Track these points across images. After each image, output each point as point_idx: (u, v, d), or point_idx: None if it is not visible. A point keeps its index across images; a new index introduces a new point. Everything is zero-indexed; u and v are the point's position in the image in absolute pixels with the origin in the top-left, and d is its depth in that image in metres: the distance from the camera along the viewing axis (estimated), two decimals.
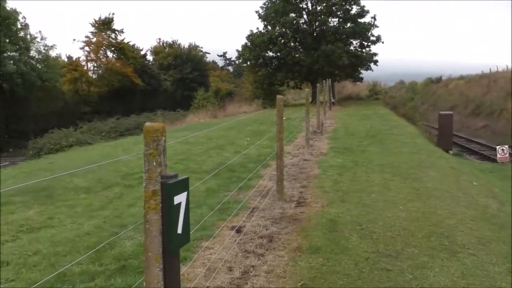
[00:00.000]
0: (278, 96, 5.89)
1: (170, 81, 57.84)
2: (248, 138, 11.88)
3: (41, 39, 37.01)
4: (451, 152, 15.85)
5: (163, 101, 52.31)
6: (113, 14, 49.63)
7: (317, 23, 28.58)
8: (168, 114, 36.17)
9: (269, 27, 29.07)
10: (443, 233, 4.68)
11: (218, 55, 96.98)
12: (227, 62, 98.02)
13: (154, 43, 65.46)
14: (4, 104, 33.61)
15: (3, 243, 4.55)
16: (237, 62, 36.80)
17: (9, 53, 33.06)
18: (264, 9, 28.95)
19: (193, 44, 64.15)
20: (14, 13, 34.26)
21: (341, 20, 28.05)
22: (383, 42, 28.03)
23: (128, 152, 11.19)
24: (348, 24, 27.80)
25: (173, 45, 62.28)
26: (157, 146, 1.97)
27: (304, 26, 28.49)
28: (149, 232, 1.97)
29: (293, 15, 28.00)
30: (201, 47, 67.73)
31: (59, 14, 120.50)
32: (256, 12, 29.19)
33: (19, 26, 34.94)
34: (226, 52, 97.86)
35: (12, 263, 3.99)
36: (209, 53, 76.53)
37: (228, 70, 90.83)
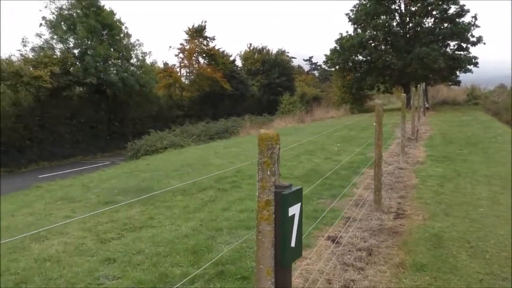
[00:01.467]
0: (377, 102, 5.61)
1: (257, 86, 58.80)
2: (338, 144, 11.60)
3: (139, 46, 39.59)
4: None
5: (249, 106, 53.34)
6: (206, 22, 51.74)
7: (410, 25, 27.31)
8: (255, 119, 36.71)
9: (359, 30, 28.36)
10: None
11: (304, 59, 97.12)
12: (313, 66, 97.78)
13: (243, 48, 67.02)
14: (107, 108, 36.42)
15: (109, 240, 4.81)
16: (325, 66, 36.39)
17: (113, 61, 35.80)
18: (354, 11, 28.30)
19: (281, 49, 64.60)
20: (119, 23, 37.09)
21: (437, 20, 26.51)
22: (484, 43, 26.03)
23: (219, 156, 11.47)
24: (445, 25, 26.18)
25: (262, 51, 63.25)
26: (271, 154, 1.89)
27: (397, 28, 27.36)
28: (261, 244, 1.90)
29: (384, 17, 27.02)
30: (288, 52, 68.12)
31: (159, 23, 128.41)
32: (346, 15, 28.67)
33: (121, 35, 37.71)
34: (312, 57, 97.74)
35: (118, 261, 4.18)
36: (295, 58, 76.83)
37: (314, 74, 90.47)
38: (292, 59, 72.71)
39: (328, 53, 29.63)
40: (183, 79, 50.79)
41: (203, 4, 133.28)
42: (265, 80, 59.39)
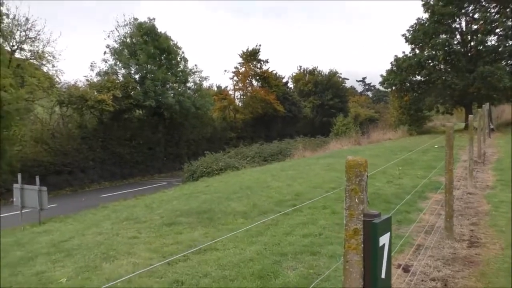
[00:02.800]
0: (448, 124, 5.39)
1: (310, 107, 58.70)
2: (400, 167, 11.22)
3: (196, 71, 40.88)
4: None
5: (302, 127, 53.24)
6: (260, 45, 52.61)
7: (472, 43, 26.36)
8: (309, 140, 36.46)
9: (417, 50, 27.73)
10: None
11: (356, 80, 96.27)
12: (366, 87, 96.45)
13: (296, 70, 67.51)
14: (164, 130, 37.64)
15: (176, 262, 4.86)
16: (381, 87, 35.77)
17: (170, 84, 37.17)
18: (412, 31, 27.75)
19: (333, 70, 64.40)
20: (175, 47, 38.61)
21: (501, 38, 25.38)
22: None
23: (276, 178, 11.41)
24: (510, 42, 25.02)
25: (313, 72, 63.34)
26: (360, 181, 1.84)
27: (457, 47, 26.48)
28: (349, 274, 1.83)
29: (444, 36, 26.26)
30: (340, 73, 67.75)
31: (215, 47, 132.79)
32: (403, 35, 28.17)
33: (179, 59, 39.17)
34: (365, 77, 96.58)
35: (186, 283, 4.21)
36: (347, 79, 76.16)
37: (367, 95, 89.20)
38: (345, 80, 72.20)
39: (383, 73, 29.19)
40: (237, 101, 51.68)
41: (257, 27, 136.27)
42: (318, 101, 59.23)
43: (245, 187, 10.06)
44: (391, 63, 28.44)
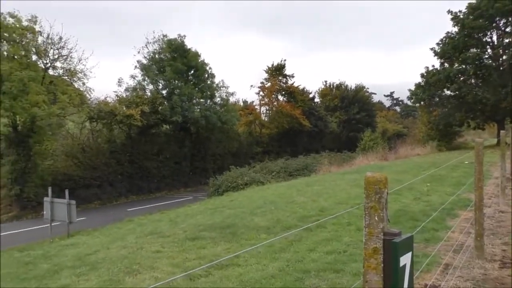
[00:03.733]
0: (477, 140, 5.24)
1: (336, 122, 58.26)
2: (428, 184, 10.96)
3: (222, 86, 41.27)
4: None
5: (328, 142, 52.81)
6: (285, 60, 52.82)
7: (504, 57, 25.74)
8: (335, 156, 36.11)
9: (446, 64, 27.27)
10: None
11: (384, 95, 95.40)
12: (394, 101, 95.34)
13: (322, 85, 67.42)
14: (190, 145, 38.00)
15: (198, 278, 4.84)
16: (409, 102, 35.28)
17: (197, 99, 37.58)
18: (441, 45, 27.34)
19: (359, 84, 63.96)
20: (203, 64, 39.12)
21: None
22: None
23: (301, 194, 11.31)
24: None
25: (340, 87, 63.01)
26: (379, 199, 1.79)
27: (489, 61, 25.92)
28: None
29: (475, 50, 25.76)
30: (367, 88, 67.18)
31: (242, 63, 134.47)
32: (431, 49, 27.78)
33: (206, 75, 39.63)
34: (393, 92, 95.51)
35: None
36: (375, 93, 75.50)
37: (395, 110, 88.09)
38: (372, 95, 71.57)
39: (411, 87, 28.82)
40: (262, 116, 51.80)
41: (283, 43, 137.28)
42: (344, 116, 58.75)
43: (269, 202, 10.00)
44: (421, 74, 28.10)
